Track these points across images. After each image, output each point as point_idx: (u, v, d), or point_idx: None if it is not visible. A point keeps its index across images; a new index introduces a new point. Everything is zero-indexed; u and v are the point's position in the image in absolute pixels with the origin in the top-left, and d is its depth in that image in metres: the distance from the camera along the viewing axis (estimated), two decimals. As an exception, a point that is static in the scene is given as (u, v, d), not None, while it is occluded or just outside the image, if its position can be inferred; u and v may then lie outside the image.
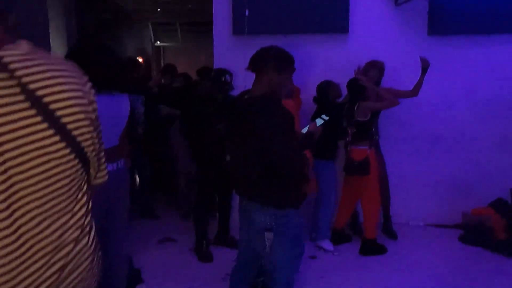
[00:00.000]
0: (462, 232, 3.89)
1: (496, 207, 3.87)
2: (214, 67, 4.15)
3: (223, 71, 3.32)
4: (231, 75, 3.35)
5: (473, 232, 3.80)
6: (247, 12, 3.95)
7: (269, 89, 1.91)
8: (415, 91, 3.62)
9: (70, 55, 2.16)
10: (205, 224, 3.49)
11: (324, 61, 4.12)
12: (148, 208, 4.37)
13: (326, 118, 2.17)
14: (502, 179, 4.05)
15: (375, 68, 3.69)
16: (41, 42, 8.32)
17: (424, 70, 3.52)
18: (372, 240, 3.54)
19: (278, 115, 1.84)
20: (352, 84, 3.56)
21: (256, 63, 1.94)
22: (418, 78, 3.56)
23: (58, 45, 8.63)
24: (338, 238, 3.72)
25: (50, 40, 8.73)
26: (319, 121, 2.14)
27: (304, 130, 2.10)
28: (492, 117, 4.04)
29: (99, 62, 2.06)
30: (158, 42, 12.52)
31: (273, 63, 1.90)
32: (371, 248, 3.53)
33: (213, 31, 4.25)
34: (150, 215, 4.34)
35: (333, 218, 3.79)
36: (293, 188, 1.95)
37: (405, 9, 3.93)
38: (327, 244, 3.64)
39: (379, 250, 3.55)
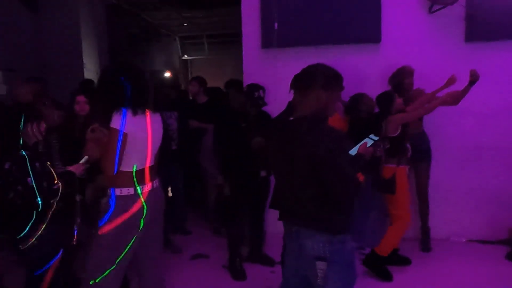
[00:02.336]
0: (509, 249, 3.66)
1: (544, 221, 3.64)
2: (243, 81, 4.15)
3: (256, 86, 3.30)
4: (264, 90, 3.32)
5: (521, 249, 3.57)
6: (276, 25, 3.93)
7: (317, 107, 1.83)
8: (456, 101, 3.47)
9: (105, 77, 2.18)
10: (238, 240, 3.43)
11: (356, 72, 4.01)
12: (180, 223, 4.37)
13: (376, 138, 2.05)
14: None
15: (411, 74, 3.58)
16: (75, 60, 8.61)
17: (472, 83, 3.34)
18: (381, 257, 3.30)
19: (328, 136, 1.76)
20: (382, 97, 3.38)
21: (303, 81, 1.88)
22: (464, 87, 3.39)
23: (90, 63, 8.92)
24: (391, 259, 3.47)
25: (83, 57, 9.04)
26: (369, 141, 2.03)
27: (353, 152, 1.99)
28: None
29: (133, 84, 2.07)
30: (186, 56, 12.73)
31: (321, 81, 1.83)
32: (375, 265, 3.31)
33: (242, 45, 4.24)
34: (182, 231, 4.33)
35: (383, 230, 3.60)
36: (346, 212, 1.85)
37: (440, 16, 3.79)
38: None
39: (384, 274, 3.28)
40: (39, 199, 2.13)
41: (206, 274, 3.46)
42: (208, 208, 4.45)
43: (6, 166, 2.06)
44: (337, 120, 3.45)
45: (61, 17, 8.68)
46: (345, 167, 1.76)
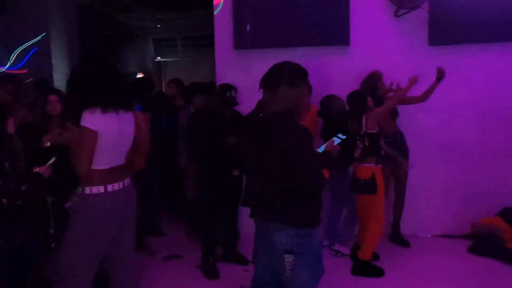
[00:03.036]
0: (471, 242, 3.84)
1: (504, 216, 3.83)
2: (216, 82, 4.18)
3: (228, 86, 3.34)
4: (236, 90, 3.37)
5: (482, 243, 3.75)
6: (248, 27, 3.99)
7: (286, 105, 1.89)
8: (424, 97, 3.66)
9: (74, 75, 2.16)
10: (212, 240, 3.45)
11: (326, 73, 4.13)
12: (154, 225, 4.34)
13: (343, 137, 2.13)
14: (510, 187, 4.02)
15: (381, 78, 3.74)
16: (44, 60, 8.39)
17: (439, 80, 3.56)
18: (366, 262, 3.39)
19: (298, 132, 1.83)
20: (354, 97, 3.44)
21: (271, 79, 1.93)
22: (431, 84, 3.60)
23: (60, 63, 8.73)
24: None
25: (52, 58, 8.83)
26: (336, 140, 2.11)
27: (321, 149, 2.06)
28: (498, 125, 4.03)
29: (103, 81, 2.06)
30: (159, 58, 12.62)
31: (288, 78, 1.89)
32: (364, 270, 3.38)
33: (215, 46, 4.28)
34: (156, 233, 4.30)
35: (354, 227, 3.77)
36: (314, 206, 1.92)
37: (406, 20, 3.95)
38: (345, 249, 3.69)
39: (374, 272, 3.37)
40: (5, 199, 2.11)
41: (179, 275, 3.46)
42: (184, 209, 4.42)
43: None
44: (313, 115, 3.55)
45: (30, 17, 8.45)
46: (311, 163, 1.83)
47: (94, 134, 1.99)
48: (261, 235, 1.98)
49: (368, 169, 3.30)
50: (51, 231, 2.34)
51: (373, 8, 4.02)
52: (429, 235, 4.11)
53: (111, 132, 2.08)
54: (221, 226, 3.62)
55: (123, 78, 2.24)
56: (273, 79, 1.91)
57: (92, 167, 2.07)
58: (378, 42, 4.06)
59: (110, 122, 2.07)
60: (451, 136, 4.09)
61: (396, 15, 3.96)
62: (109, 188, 2.10)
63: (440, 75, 3.54)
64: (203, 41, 10.84)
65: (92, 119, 2.00)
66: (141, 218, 3.80)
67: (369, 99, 3.38)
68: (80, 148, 2.00)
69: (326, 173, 1.94)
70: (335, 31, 4.00)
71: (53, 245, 2.31)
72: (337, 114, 3.63)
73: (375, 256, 3.60)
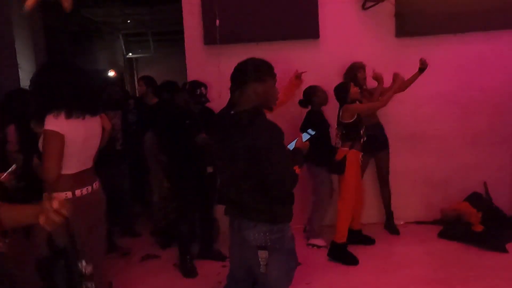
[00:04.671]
0: (442, 228, 3.97)
1: (471, 201, 3.98)
2: (187, 78, 4.13)
3: (198, 84, 3.31)
4: (206, 87, 3.34)
5: (452, 227, 3.88)
6: (217, 22, 3.95)
7: (256, 101, 1.89)
8: (403, 87, 3.72)
9: (38, 77, 2.08)
10: (187, 239, 3.44)
11: (297, 67, 4.14)
12: (128, 225, 4.28)
13: (313, 132, 2.14)
14: (476, 174, 4.17)
15: (363, 69, 3.81)
16: (8, 60, 8.09)
17: (421, 70, 3.63)
18: (340, 245, 3.48)
19: (268, 130, 1.82)
20: (338, 88, 3.53)
21: (237, 78, 1.92)
22: (413, 75, 3.67)
23: (26, 61, 8.41)
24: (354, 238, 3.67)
25: (17, 57, 8.50)
26: (305, 136, 2.11)
27: (291, 146, 2.07)
28: (462, 114, 4.17)
29: (68, 86, 2.00)
30: (130, 54, 12.36)
31: (253, 74, 1.88)
32: (338, 254, 3.48)
33: (185, 41, 4.22)
34: (130, 233, 4.24)
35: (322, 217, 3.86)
36: (286, 202, 1.93)
37: (373, 12, 4.01)
38: (319, 241, 3.77)
39: (349, 259, 3.45)
40: None
41: (157, 275, 3.44)
42: (152, 213, 4.33)
43: None
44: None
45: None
46: (282, 160, 1.84)
47: (60, 137, 1.94)
48: (234, 232, 1.99)
49: (342, 151, 3.46)
50: (6, 242, 2.26)
51: (341, 1, 4.06)
52: (402, 222, 4.22)
53: (77, 137, 2.03)
54: (197, 224, 3.61)
55: (90, 81, 2.18)
56: (240, 77, 1.90)
57: (61, 173, 2.02)
58: (347, 35, 4.10)
59: (76, 127, 2.02)
60: (419, 125, 4.20)
61: (364, 7, 4.01)
62: (77, 193, 2.06)
63: (423, 66, 3.60)
64: (175, 36, 10.67)
65: (56, 123, 1.95)
66: (114, 219, 3.77)
67: (355, 89, 3.46)
68: (47, 152, 1.95)
69: (297, 169, 1.95)
70: (304, 25, 4.00)
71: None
72: (319, 106, 3.74)
73: (370, 241, 3.73)
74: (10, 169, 2.20)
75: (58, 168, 1.97)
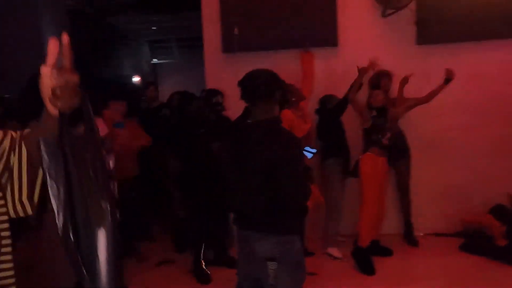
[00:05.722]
0: (463, 240, 3.85)
1: (495, 213, 3.85)
2: (206, 86, 4.19)
3: (214, 92, 3.35)
4: (222, 96, 3.37)
5: (474, 240, 3.76)
6: (236, 30, 3.99)
7: (267, 115, 1.89)
8: (429, 98, 3.65)
9: (31, 81, 2.12)
10: (202, 245, 3.46)
11: (316, 74, 4.13)
12: (145, 231, 4.35)
13: (314, 150, 2.15)
14: (500, 185, 4.03)
15: (386, 77, 3.77)
16: (35, 65, 8.40)
17: (447, 81, 3.54)
18: (360, 248, 3.47)
19: (286, 141, 1.83)
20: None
21: (247, 94, 1.93)
22: (439, 85, 3.59)
23: (54, 68, 8.67)
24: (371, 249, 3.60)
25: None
26: (308, 155, 2.12)
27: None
28: (485, 123, 4.04)
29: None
30: (155, 60, 12.60)
31: (264, 92, 1.89)
32: (358, 257, 3.47)
33: (204, 49, 4.29)
34: (147, 238, 4.31)
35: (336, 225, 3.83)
36: (296, 215, 1.93)
37: (393, 20, 3.96)
38: (335, 251, 3.72)
39: (365, 267, 3.41)
40: None
41: (171, 280, 3.48)
42: (172, 219, 4.38)
43: None
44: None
45: (22, 24, 8.46)
46: (299, 172, 1.84)
47: None
48: (243, 243, 1.99)
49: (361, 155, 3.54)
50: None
51: (360, 9, 4.04)
52: (421, 234, 4.11)
53: None
54: (212, 231, 3.63)
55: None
56: (251, 95, 1.91)
57: None
58: (366, 42, 4.06)
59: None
60: (440, 134, 4.09)
61: (384, 15, 3.97)
62: None
63: (449, 77, 3.52)
64: (198, 43, 10.83)
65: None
66: (132, 224, 3.84)
67: (379, 98, 3.43)
68: None
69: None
70: (323, 33, 4.00)
71: None
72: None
73: (388, 252, 3.67)
74: None
75: None
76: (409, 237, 3.99)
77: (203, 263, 3.45)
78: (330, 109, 3.73)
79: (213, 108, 3.28)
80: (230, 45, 4.06)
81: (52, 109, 0.98)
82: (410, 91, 3.84)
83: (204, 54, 4.29)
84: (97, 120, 2.15)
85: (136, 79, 10.91)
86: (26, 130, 1.10)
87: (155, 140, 4.07)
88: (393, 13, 3.87)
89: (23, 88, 2.10)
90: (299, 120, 3.55)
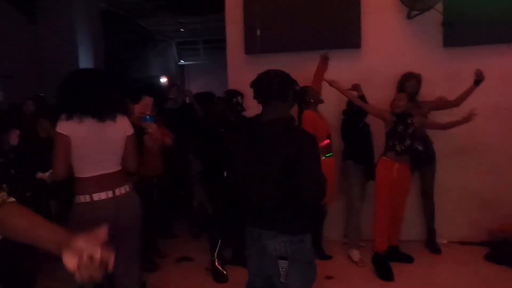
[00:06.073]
0: (488, 250, 3.71)
1: (523, 223, 3.69)
2: (228, 87, 4.23)
3: (235, 93, 3.38)
4: (242, 96, 3.40)
5: (500, 250, 3.62)
6: (258, 32, 4.02)
7: (280, 115, 1.91)
8: (459, 101, 3.56)
9: (65, 81, 2.20)
10: (219, 243, 3.50)
11: (337, 76, 4.08)
12: (166, 227, 4.43)
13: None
14: (530, 193, 3.87)
15: (415, 78, 3.69)
16: (70, 65, 8.72)
17: (478, 83, 3.44)
18: (377, 254, 3.42)
19: (302, 139, 1.84)
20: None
21: (261, 95, 1.95)
22: (469, 87, 3.49)
23: (85, 66, 9.02)
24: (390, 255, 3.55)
25: (79, 62, 9.16)
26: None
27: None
28: (515, 127, 3.89)
29: (75, 90, 2.09)
30: (182, 61, 12.83)
31: (278, 93, 1.91)
32: (376, 263, 3.43)
33: (227, 51, 4.33)
34: (168, 235, 4.39)
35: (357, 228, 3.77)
36: (308, 214, 1.93)
37: (418, 22, 3.87)
38: (354, 254, 3.68)
39: (383, 272, 3.36)
40: None
41: (189, 277, 3.52)
42: (191, 213, 4.49)
43: None
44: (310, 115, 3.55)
45: (57, 25, 8.81)
46: (316, 170, 1.83)
47: (65, 139, 2.03)
48: (254, 241, 1.99)
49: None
50: None
51: (384, 11, 3.96)
52: (445, 241, 4.00)
53: (82, 138, 2.08)
54: (230, 230, 3.66)
55: (102, 89, 2.18)
56: (264, 95, 1.93)
57: (79, 176, 2.10)
58: (390, 44, 3.99)
59: (80, 129, 2.07)
60: (466, 139, 3.96)
61: (409, 17, 3.89)
62: (95, 197, 2.08)
63: (479, 78, 3.41)
64: (223, 44, 10.94)
65: (63, 125, 2.05)
66: (154, 220, 3.92)
67: (401, 103, 3.37)
68: (54, 153, 2.05)
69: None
70: (346, 35, 3.96)
71: None
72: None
73: (408, 258, 3.60)
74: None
75: (63, 167, 2.06)
76: (431, 244, 3.89)
77: (220, 262, 3.48)
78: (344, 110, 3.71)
79: (233, 108, 3.32)
80: (252, 47, 4.09)
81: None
82: (438, 94, 3.74)
83: (227, 56, 4.33)
84: (124, 119, 2.23)
85: (163, 79, 11.13)
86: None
87: (178, 139, 4.15)
88: (418, 14, 3.78)
89: (58, 86, 2.16)
90: (321, 120, 3.55)
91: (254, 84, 1.96)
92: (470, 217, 4.02)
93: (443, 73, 3.94)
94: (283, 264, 1.87)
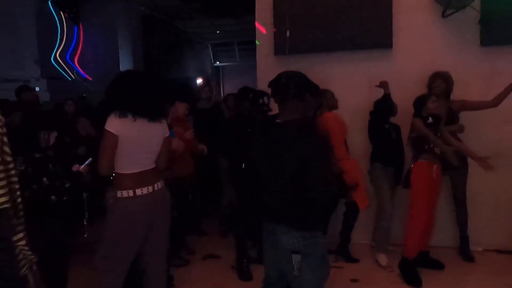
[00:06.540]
0: (527, 259, 3.53)
1: None
2: (257, 88, 4.27)
3: (261, 93, 3.41)
4: (269, 97, 3.43)
5: (540, 260, 3.42)
6: (288, 33, 4.03)
7: (296, 115, 1.94)
8: (496, 102, 3.42)
9: (109, 84, 2.34)
10: (245, 242, 3.54)
11: (368, 77, 4.03)
12: (196, 225, 4.53)
13: None
14: None
15: (441, 78, 3.57)
16: (112, 67, 9.12)
17: None
18: (405, 260, 3.32)
19: (317, 139, 1.87)
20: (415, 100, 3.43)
21: (278, 93, 1.99)
22: (506, 87, 3.35)
23: (126, 68, 9.41)
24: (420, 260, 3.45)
25: (120, 64, 9.56)
26: None
27: None
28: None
29: (127, 90, 2.20)
30: (218, 62, 13.04)
31: (295, 91, 1.93)
32: (403, 269, 3.34)
33: (256, 52, 4.38)
34: (197, 232, 4.49)
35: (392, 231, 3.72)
36: (320, 212, 1.96)
37: (454, 20, 3.74)
38: (382, 259, 3.62)
39: (411, 279, 3.27)
40: (53, 196, 2.38)
41: (214, 274, 3.59)
42: (220, 211, 4.57)
43: (22, 167, 2.31)
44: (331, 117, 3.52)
45: (99, 28, 9.23)
46: (328, 171, 1.86)
47: (114, 137, 2.15)
48: (268, 236, 2.05)
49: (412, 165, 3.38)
50: (85, 223, 2.58)
51: (417, 9, 3.86)
52: (479, 249, 3.83)
53: (136, 138, 2.22)
54: (256, 229, 3.70)
55: (155, 90, 2.32)
56: (281, 95, 1.96)
57: (122, 172, 2.23)
58: (423, 44, 3.88)
59: (136, 129, 2.21)
60: (504, 142, 3.78)
61: (444, 15, 3.76)
62: (138, 192, 2.24)
63: None
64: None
65: (111, 124, 2.16)
66: (184, 218, 4.03)
67: (433, 105, 3.29)
68: (101, 149, 2.17)
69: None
70: (377, 34, 3.88)
71: (85, 235, 2.55)
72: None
73: (439, 265, 3.50)
74: (86, 162, 2.53)
75: (108, 164, 2.18)
76: (464, 252, 3.74)
77: (246, 261, 3.52)
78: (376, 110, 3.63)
79: (260, 109, 3.35)
80: (281, 48, 4.10)
81: None
82: (474, 95, 3.61)
83: (256, 57, 4.38)
84: (163, 120, 2.36)
85: (199, 81, 11.38)
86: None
87: (207, 139, 4.25)
88: (453, 12, 3.65)
89: (110, 85, 2.28)
90: (342, 122, 3.54)
91: (273, 84, 2.00)
92: (507, 224, 3.82)
93: (480, 73, 3.78)
94: (296, 258, 1.92)
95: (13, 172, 1.57)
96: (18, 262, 1.51)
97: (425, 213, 3.30)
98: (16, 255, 1.50)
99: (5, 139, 1.52)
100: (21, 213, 1.59)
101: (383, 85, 3.61)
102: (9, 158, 1.54)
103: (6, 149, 1.52)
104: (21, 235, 1.56)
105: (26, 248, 1.55)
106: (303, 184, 1.84)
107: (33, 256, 1.56)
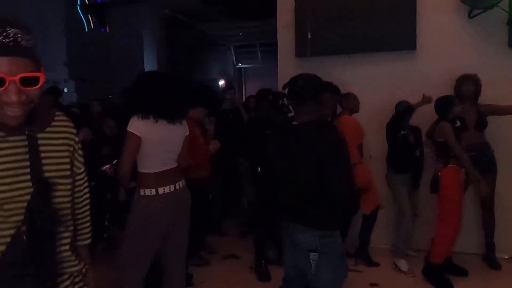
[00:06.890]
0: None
1: None
2: (278, 89, 4.28)
3: (281, 94, 3.42)
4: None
5: None
6: (309, 35, 4.03)
7: (313, 117, 1.96)
8: None
9: (131, 85, 2.39)
10: (264, 243, 3.56)
11: (391, 79, 3.99)
12: (217, 225, 4.58)
13: None
14: None
15: (471, 80, 3.51)
16: (137, 68, 9.31)
17: None
18: (433, 265, 3.26)
19: (334, 141, 1.88)
20: (440, 101, 3.31)
21: (295, 95, 2.01)
22: None
23: (151, 69, 9.59)
24: (445, 267, 3.37)
25: (144, 66, 9.76)
26: None
27: None
28: None
29: (148, 92, 2.25)
30: (240, 64, 13.11)
31: (312, 94, 1.96)
32: (431, 275, 3.28)
33: (278, 54, 4.39)
34: (218, 232, 4.53)
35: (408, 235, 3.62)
36: (338, 211, 1.98)
37: (480, 21, 3.64)
38: (402, 264, 3.56)
39: (443, 285, 3.21)
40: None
41: (234, 274, 3.62)
42: (240, 212, 4.61)
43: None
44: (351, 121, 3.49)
45: (125, 31, 9.45)
46: (346, 172, 1.87)
47: (136, 139, 2.20)
48: (287, 235, 2.07)
49: (437, 170, 3.30)
50: (106, 223, 2.63)
51: (442, 10, 3.77)
52: (506, 257, 3.71)
53: (158, 139, 2.28)
54: (275, 230, 3.70)
55: (175, 92, 2.37)
56: (298, 96, 1.97)
57: (145, 171, 2.29)
58: (448, 45, 3.79)
59: (151, 130, 2.24)
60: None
61: (470, 16, 3.67)
62: (160, 190, 2.30)
63: None
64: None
65: (134, 125, 2.22)
66: (205, 218, 4.08)
67: (459, 108, 3.23)
68: (123, 150, 2.23)
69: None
70: (400, 36, 3.82)
71: (105, 235, 2.60)
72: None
73: (462, 271, 3.43)
74: (112, 162, 2.61)
75: (129, 165, 2.23)
76: (489, 259, 3.63)
77: (265, 262, 3.54)
78: (393, 116, 3.56)
79: (279, 110, 3.36)
80: (303, 50, 4.10)
81: None
82: (502, 98, 3.50)
83: (278, 59, 4.39)
84: (184, 121, 2.41)
85: (221, 82, 11.48)
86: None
87: (227, 141, 4.29)
88: (480, 13, 3.56)
89: (131, 87, 2.34)
90: (358, 125, 3.51)
91: (289, 86, 2.01)
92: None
93: (508, 75, 3.67)
94: (313, 256, 1.94)
95: None
96: None
97: (458, 217, 3.23)
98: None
99: None
100: None
101: (427, 100, 3.40)
102: None
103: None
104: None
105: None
106: (321, 183, 1.85)
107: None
